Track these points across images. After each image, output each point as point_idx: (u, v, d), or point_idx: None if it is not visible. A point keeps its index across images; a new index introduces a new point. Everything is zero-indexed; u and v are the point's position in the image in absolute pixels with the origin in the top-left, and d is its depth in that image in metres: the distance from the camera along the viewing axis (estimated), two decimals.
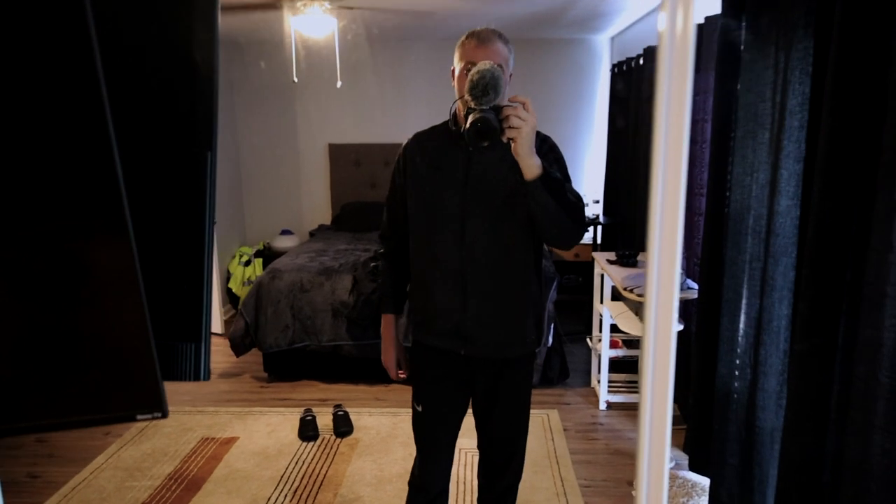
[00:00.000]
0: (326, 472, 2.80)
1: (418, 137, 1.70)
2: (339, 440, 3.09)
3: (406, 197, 1.69)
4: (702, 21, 2.59)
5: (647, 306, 0.91)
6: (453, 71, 1.59)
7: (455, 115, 1.61)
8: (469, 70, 1.47)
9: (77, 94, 0.65)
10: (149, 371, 0.73)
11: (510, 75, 1.56)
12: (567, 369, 3.74)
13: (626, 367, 3.80)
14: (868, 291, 1.53)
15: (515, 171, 1.45)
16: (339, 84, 3.72)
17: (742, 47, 2.22)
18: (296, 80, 3.64)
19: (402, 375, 1.85)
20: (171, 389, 3.46)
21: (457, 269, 1.61)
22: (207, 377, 0.90)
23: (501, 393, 1.72)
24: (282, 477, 2.75)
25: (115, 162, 0.68)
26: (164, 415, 0.76)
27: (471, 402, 1.80)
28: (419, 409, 1.79)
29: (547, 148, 1.63)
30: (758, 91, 2.13)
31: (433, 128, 1.71)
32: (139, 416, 0.74)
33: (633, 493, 2.63)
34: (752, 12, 2.11)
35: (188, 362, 0.88)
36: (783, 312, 1.99)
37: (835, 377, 1.69)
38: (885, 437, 1.45)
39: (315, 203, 5.57)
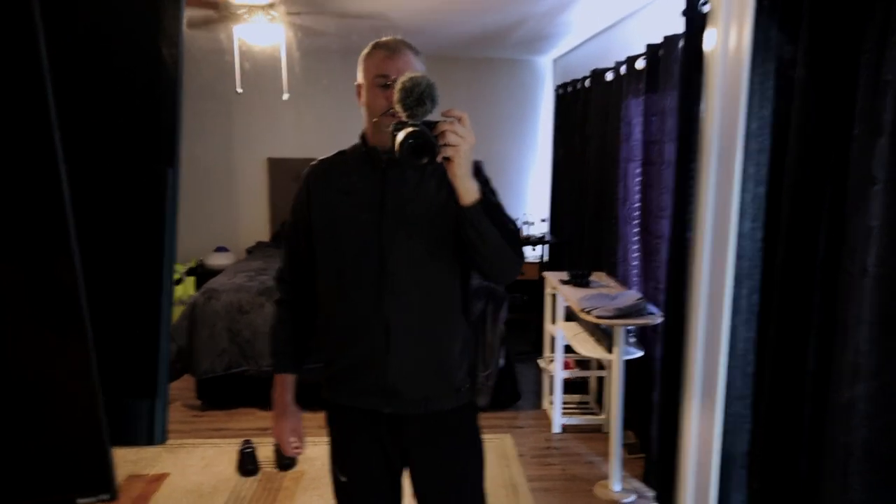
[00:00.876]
0: None
1: (323, 163, 1.50)
2: (282, 474, 2.88)
3: (311, 232, 1.45)
4: (660, 41, 2.60)
5: (692, 306, 0.82)
6: (359, 87, 1.41)
7: (364, 136, 1.44)
8: (384, 84, 1.33)
9: (15, 88, 0.51)
10: (94, 439, 0.58)
11: None
12: (518, 391, 3.67)
13: (577, 388, 3.77)
14: (840, 316, 1.52)
15: (448, 195, 1.28)
16: (285, 96, 3.55)
17: (703, 69, 2.23)
18: (239, 90, 3.45)
19: (296, 452, 1.58)
20: None
21: (376, 310, 1.38)
22: (164, 439, 0.75)
23: (440, 457, 1.48)
24: None
25: (60, 173, 0.54)
26: (113, 497, 0.61)
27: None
28: (343, 479, 1.53)
29: (475, 168, 1.42)
30: None
31: (339, 152, 1.50)
32: (80, 500, 0.59)
33: None
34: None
35: (141, 423, 0.72)
36: (748, 335, 1.98)
37: (805, 400, 1.68)
38: (864, 467, 1.43)
39: (252, 219, 5.33)
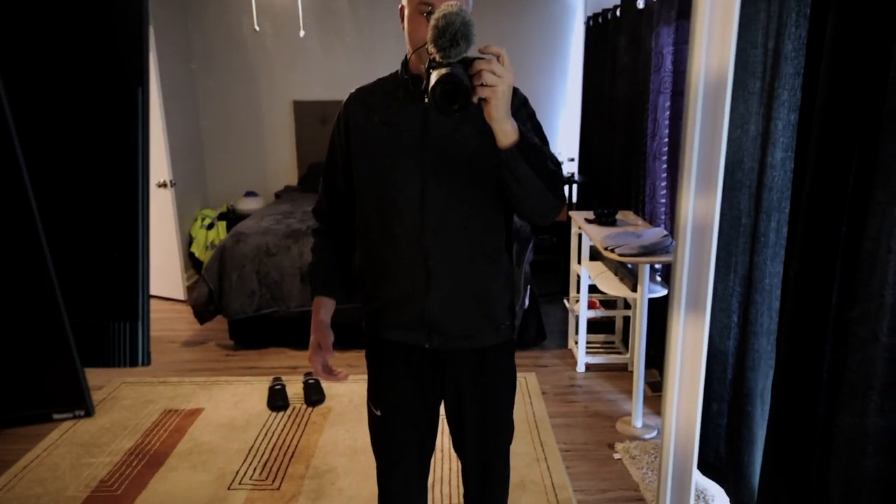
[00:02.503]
0: (297, 442, 2.69)
1: (362, 92, 1.44)
2: (310, 409, 2.97)
3: (350, 163, 1.42)
4: None
5: (676, 272, 0.79)
6: (402, 10, 1.33)
7: (406, 64, 1.37)
8: (426, 12, 1.24)
9: None
10: (64, 357, 0.59)
11: None
12: (544, 331, 3.67)
13: (604, 328, 3.76)
14: (869, 247, 1.45)
15: (486, 135, 1.21)
16: (301, 33, 3.47)
17: None
18: (257, 28, 3.39)
19: (340, 378, 1.48)
20: None
21: (417, 244, 1.35)
22: (147, 362, 0.75)
23: (477, 392, 1.48)
24: (250, 449, 2.64)
25: None
26: (88, 413, 0.62)
27: (443, 407, 1.54)
28: (377, 413, 1.53)
29: (519, 103, 1.36)
30: (748, 38, 2.01)
31: (380, 80, 1.44)
32: (56, 416, 0.60)
33: (615, 455, 2.59)
34: None
35: (122, 344, 0.73)
36: (775, 270, 1.91)
37: (828, 337, 1.63)
38: (885, 399, 1.39)
39: (280, 163, 5.34)
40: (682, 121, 2.63)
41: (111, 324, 0.73)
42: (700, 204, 0.54)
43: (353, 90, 1.46)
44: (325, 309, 1.50)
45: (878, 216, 1.42)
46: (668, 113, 2.76)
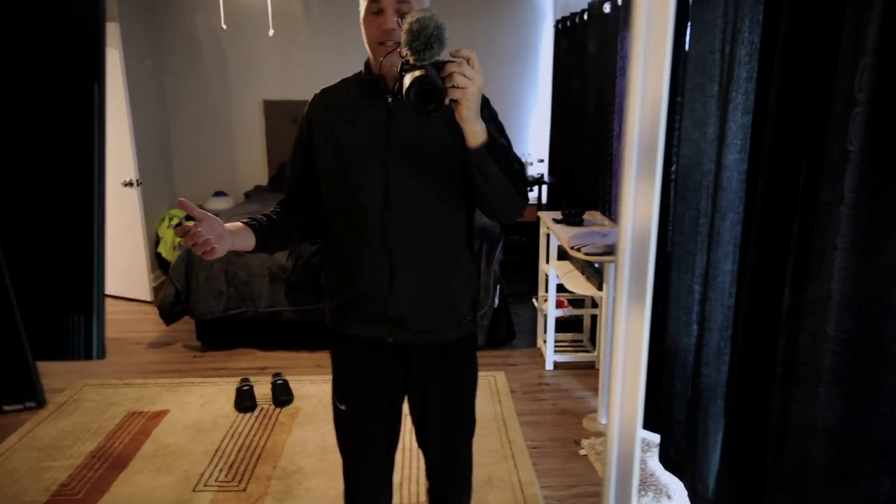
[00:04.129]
0: (265, 443, 2.68)
1: (326, 93, 1.46)
2: (278, 410, 2.96)
3: (313, 163, 1.43)
4: None
5: (619, 266, 0.83)
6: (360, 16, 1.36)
7: (368, 65, 1.40)
8: (375, 10, 1.28)
9: None
10: (15, 350, 0.59)
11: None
12: (513, 330, 3.71)
13: (572, 327, 3.81)
14: (818, 245, 1.51)
15: (450, 134, 1.25)
16: (271, 32, 3.46)
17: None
18: (224, 26, 3.36)
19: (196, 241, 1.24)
20: (94, 361, 3.22)
21: (382, 241, 1.37)
22: (102, 355, 0.76)
23: (440, 385, 1.50)
24: (216, 451, 2.62)
25: None
26: (40, 404, 0.62)
27: (407, 402, 1.57)
28: (342, 408, 1.55)
29: (482, 104, 1.38)
30: (706, 42, 2.07)
31: (343, 80, 1.46)
32: (6, 408, 0.60)
33: (581, 451, 2.63)
34: None
35: (77, 338, 0.74)
36: (728, 268, 1.97)
37: (781, 332, 1.69)
38: (833, 391, 1.44)
39: (250, 163, 5.30)
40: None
41: (66, 317, 0.73)
42: (640, 203, 0.57)
43: (317, 91, 1.48)
44: (236, 228, 1.36)
45: (824, 215, 1.48)
46: None
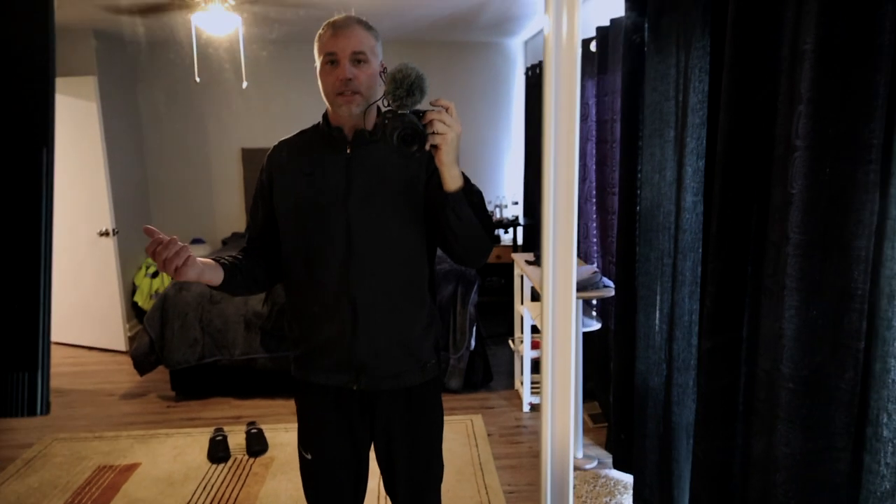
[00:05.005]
0: (237, 495, 2.63)
1: (284, 144, 1.49)
2: (252, 460, 2.92)
3: (273, 213, 1.46)
4: (607, 23, 2.62)
5: (544, 304, 0.86)
6: (316, 70, 1.41)
7: (326, 115, 1.44)
8: (330, 61, 1.33)
9: None
10: None
11: (382, 64, 1.40)
12: (490, 372, 3.71)
13: None
14: (768, 284, 1.56)
15: (412, 174, 1.32)
16: (244, 84, 3.55)
17: (645, 48, 2.25)
18: (198, 79, 3.45)
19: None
20: (68, 413, 3.18)
21: (344, 290, 1.40)
22: (46, 411, 0.77)
23: (406, 430, 1.51)
24: None
25: None
26: None
27: (373, 448, 1.58)
28: (308, 457, 1.55)
29: None
30: (662, 90, 2.16)
31: (301, 132, 1.50)
32: None
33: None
34: (654, 13, 2.15)
35: (20, 394, 0.75)
36: (693, 307, 2.02)
37: (740, 372, 1.72)
38: (789, 427, 1.47)
39: (228, 210, 5.33)
40: (606, 166, 2.77)
41: (10, 374, 0.74)
42: (560, 247, 0.61)
43: (275, 143, 1.51)
44: (205, 261, 1.34)
45: (773, 255, 1.54)
46: (595, 159, 2.91)
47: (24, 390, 0.74)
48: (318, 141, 1.45)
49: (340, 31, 1.34)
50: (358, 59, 1.34)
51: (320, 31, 1.38)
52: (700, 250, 1.98)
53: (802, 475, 1.44)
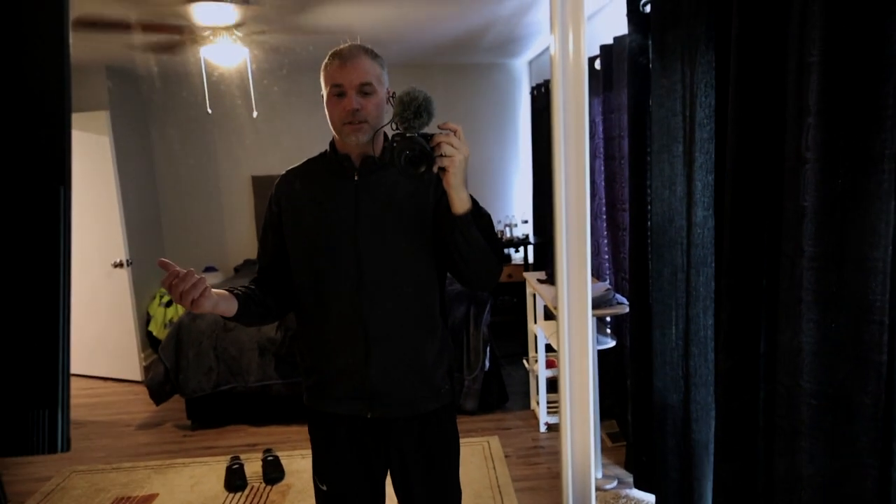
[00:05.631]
0: None
1: (291, 173, 1.50)
2: (269, 487, 2.90)
3: (283, 243, 1.46)
4: (610, 41, 2.64)
5: (559, 322, 0.86)
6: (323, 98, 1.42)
7: (333, 144, 1.45)
8: (337, 93, 1.34)
9: None
10: None
11: (388, 90, 1.40)
12: (506, 393, 3.68)
13: None
14: (784, 298, 1.54)
15: (421, 199, 1.34)
16: (255, 114, 3.60)
17: (650, 65, 2.26)
18: (210, 111, 3.50)
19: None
20: (85, 445, 3.17)
21: (356, 318, 1.39)
22: (67, 448, 0.77)
23: (421, 457, 1.49)
24: None
25: None
26: (2, 501, 0.63)
27: (390, 476, 1.56)
28: (323, 488, 1.53)
29: None
30: (669, 106, 2.16)
31: (309, 161, 1.51)
32: None
33: None
34: (657, 30, 2.16)
35: (41, 432, 0.75)
36: (708, 322, 2.00)
37: (760, 386, 1.70)
38: (811, 442, 1.45)
39: (239, 237, 5.37)
40: (615, 183, 2.77)
41: (31, 412, 0.75)
42: (573, 263, 0.61)
43: (283, 172, 1.52)
44: (219, 293, 1.33)
45: (787, 268, 1.52)
46: (603, 175, 2.91)
47: (44, 427, 0.75)
48: (325, 169, 1.46)
49: (347, 62, 1.34)
50: (365, 90, 1.34)
51: (326, 60, 1.39)
52: (712, 265, 1.97)
53: (829, 493, 1.41)
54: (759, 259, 1.68)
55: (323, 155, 1.49)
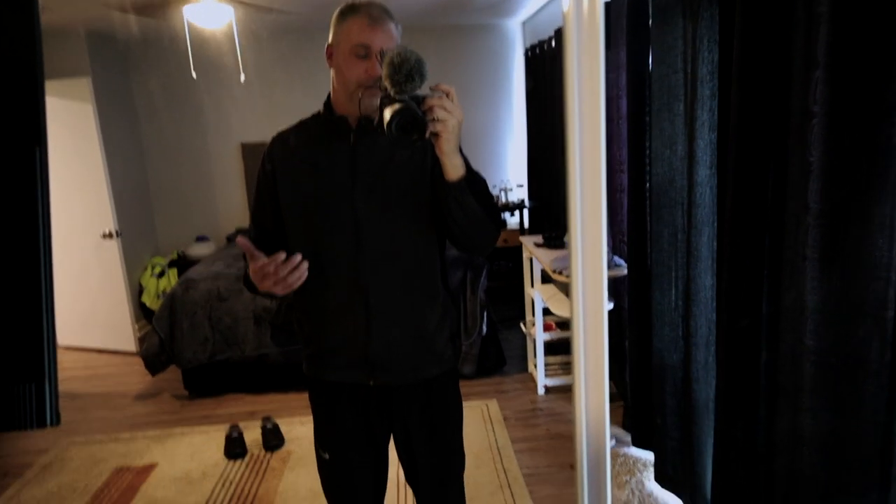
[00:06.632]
0: (257, 490, 2.62)
1: (284, 135, 1.44)
2: (269, 455, 2.91)
3: (278, 209, 1.40)
4: None
5: (574, 288, 0.83)
6: (329, 49, 1.32)
7: (329, 104, 1.38)
8: (362, 54, 1.26)
9: None
10: None
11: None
12: (503, 357, 3.69)
13: (562, 349, 3.79)
14: (788, 256, 1.52)
15: (417, 170, 1.28)
16: (242, 78, 3.50)
17: (650, 21, 2.20)
18: (194, 75, 3.40)
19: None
20: (82, 417, 3.16)
21: (355, 284, 1.35)
22: (56, 422, 0.74)
23: (425, 423, 1.47)
24: (207, 502, 2.56)
25: None
26: None
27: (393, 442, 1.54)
28: (326, 456, 1.51)
29: None
30: (669, 63, 2.11)
31: (301, 122, 1.44)
32: None
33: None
34: None
35: (28, 406, 0.72)
36: (708, 283, 1.98)
37: (762, 346, 1.69)
38: (814, 400, 1.44)
39: (230, 206, 5.29)
40: (613, 143, 2.71)
41: (16, 387, 0.72)
42: (586, 204, 0.58)
43: (274, 134, 1.46)
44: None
45: (792, 226, 1.49)
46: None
47: (31, 402, 0.71)
48: (320, 130, 1.40)
49: (377, 24, 1.27)
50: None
51: (347, 13, 1.30)
52: (715, 224, 1.94)
53: (830, 452, 1.41)
54: (763, 217, 1.65)
55: (317, 116, 1.42)
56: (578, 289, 0.58)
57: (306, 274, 1.24)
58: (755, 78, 1.62)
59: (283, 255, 1.21)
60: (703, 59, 1.93)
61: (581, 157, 0.60)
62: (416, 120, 1.13)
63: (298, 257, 1.22)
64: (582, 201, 0.60)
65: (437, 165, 1.26)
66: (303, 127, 1.44)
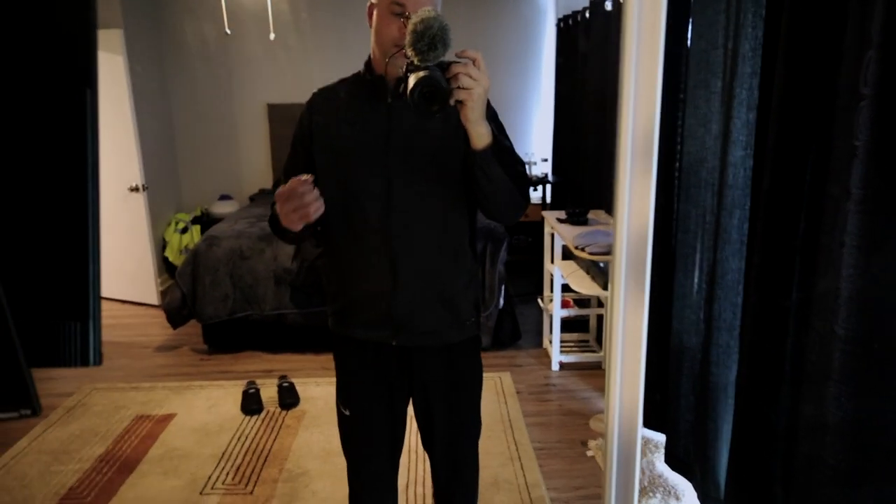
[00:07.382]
0: (271, 446, 2.68)
1: (324, 92, 1.44)
2: (284, 413, 2.96)
3: (313, 164, 1.41)
4: None
5: (615, 258, 0.81)
6: (371, 8, 1.33)
7: (370, 64, 1.37)
8: (398, 13, 1.25)
9: None
10: (10, 358, 0.59)
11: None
12: (519, 330, 3.70)
13: (578, 327, 3.79)
14: (825, 241, 1.49)
15: (451, 136, 1.26)
16: (272, 36, 3.47)
17: None
18: (228, 31, 3.37)
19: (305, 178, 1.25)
20: (105, 364, 3.21)
21: (383, 244, 1.36)
22: (99, 361, 0.75)
23: (444, 388, 1.49)
24: (223, 454, 2.62)
25: None
26: (35, 412, 0.62)
27: (411, 404, 1.57)
28: (346, 412, 1.54)
29: None
30: (709, 38, 2.05)
31: (342, 80, 1.44)
32: (1, 416, 0.60)
33: (588, 452, 2.62)
34: None
35: (73, 344, 0.73)
36: (737, 266, 1.95)
37: (789, 330, 1.67)
38: (840, 388, 1.43)
39: (255, 166, 5.31)
40: None
41: (61, 324, 0.73)
42: (636, 202, 0.57)
43: (315, 90, 1.47)
44: None
45: (831, 211, 1.46)
46: None
47: (77, 340, 0.73)
48: (359, 90, 1.40)
49: None
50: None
51: None
52: (747, 207, 1.91)
53: (855, 441, 1.40)
54: (800, 201, 1.62)
55: (357, 75, 1.43)
56: (621, 270, 0.57)
57: (323, 208, 1.24)
58: (803, 56, 1.57)
59: (309, 177, 1.22)
60: (746, 35, 1.87)
61: (633, 133, 0.58)
62: (438, 89, 1.10)
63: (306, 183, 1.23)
64: (631, 180, 0.58)
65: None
66: (342, 85, 1.44)
